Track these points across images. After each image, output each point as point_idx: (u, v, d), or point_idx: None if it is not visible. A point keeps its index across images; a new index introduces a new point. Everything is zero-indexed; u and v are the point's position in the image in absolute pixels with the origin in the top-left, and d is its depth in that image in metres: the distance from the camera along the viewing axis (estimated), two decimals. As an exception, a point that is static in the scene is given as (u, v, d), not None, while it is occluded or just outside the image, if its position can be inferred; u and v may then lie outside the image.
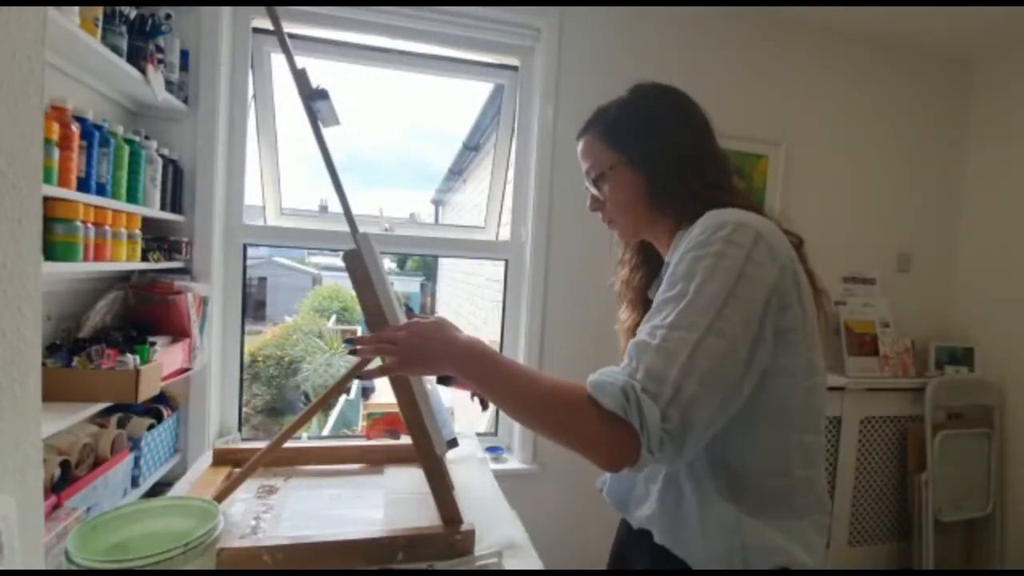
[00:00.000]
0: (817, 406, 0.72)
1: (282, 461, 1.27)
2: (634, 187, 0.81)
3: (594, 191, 0.86)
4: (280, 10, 1.24)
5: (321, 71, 1.91)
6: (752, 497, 0.68)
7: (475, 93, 2.87)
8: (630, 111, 0.84)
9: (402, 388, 0.97)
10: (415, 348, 0.74)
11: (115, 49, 1.29)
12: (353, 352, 0.82)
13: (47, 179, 1.04)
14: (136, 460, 1.43)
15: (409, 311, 0.83)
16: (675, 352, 0.60)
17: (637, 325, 0.81)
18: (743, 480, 0.69)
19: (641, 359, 0.62)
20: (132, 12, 1.38)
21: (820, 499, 0.72)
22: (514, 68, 2.05)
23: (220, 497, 1.02)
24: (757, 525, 0.67)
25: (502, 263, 2.16)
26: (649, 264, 0.91)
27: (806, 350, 0.69)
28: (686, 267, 0.66)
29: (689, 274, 0.65)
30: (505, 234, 2.17)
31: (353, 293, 0.97)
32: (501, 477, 1.40)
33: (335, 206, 1.05)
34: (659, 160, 0.79)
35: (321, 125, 0.96)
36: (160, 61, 1.48)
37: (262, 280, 10.71)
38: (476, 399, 0.97)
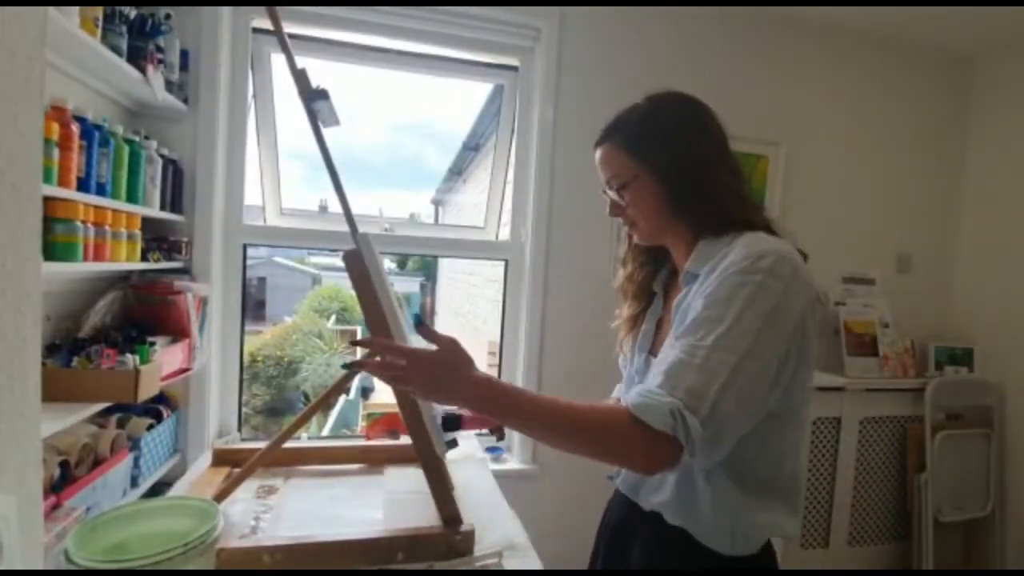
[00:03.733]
0: (808, 407, 0.82)
1: (282, 461, 1.28)
2: (655, 196, 0.84)
3: (615, 198, 0.88)
4: (280, 10, 1.23)
5: (321, 71, 1.91)
6: (750, 482, 0.78)
7: (475, 93, 2.87)
8: (650, 122, 0.85)
9: (402, 388, 0.97)
10: (424, 383, 0.75)
11: (115, 49, 1.29)
12: (350, 368, 0.81)
13: (47, 179, 1.04)
14: (136, 460, 1.43)
15: (419, 324, 0.79)
16: (715, 373, 0.68)
17: (638, 316, 0.95)
18: (745, 469, 0.78)
19: (682, 378, 0.69)
20: (132, 12, 1.38)
21: (798, 484, 0.84)
22: (514, 68, 2.05)
23: (220, 497, 1.02)
24: (752, 504, 0.78)
25: (502, 263, 2.16)
26: (654, 262, 0.96)
27: (814, 363, 0.78)
28: (727, 291, 0.71)
29: (729, 299, 0.70)
30: (505, 234, 2.17)
31: (353, 293, 0.97)
32: (501, 477, 1.40)
33: (335, 206, 1.05)
34: (679, 171, 0.82)
35: (321, 125, 0.96)
36: (160, 61, 1.48)
37: (262, 280, 10.69)
38: (489, 431, 0.99)
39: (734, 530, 0.78)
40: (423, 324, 0.78)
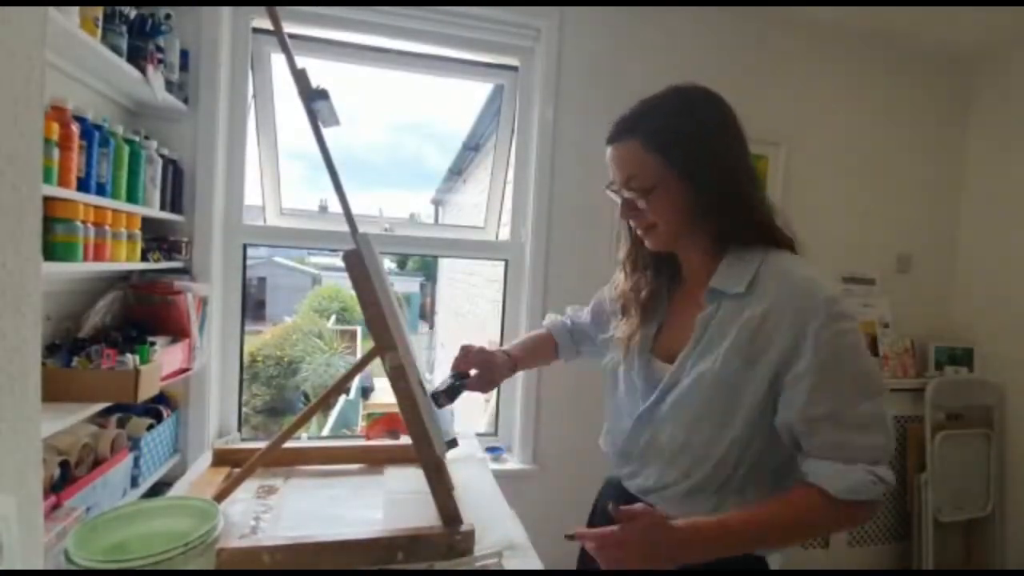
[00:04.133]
0: None
1: (282, 461, 1.27)
2: (683, 201, 0.80)
3: (634, 199, 0.82)
4: (280, 10, 1.23)
5: (321, 71, 1.91)
6: (761, 479, 0.82)
7: (475, 93, 2.88)
8: (681, 121, 0.80)
9: (402, 388, 0.97)
10: (644, 562, 0.71)
11: (115, 49, 1.29)
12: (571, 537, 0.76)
13: (47, 179, 1.04)
14: (136, 460, 1.43)
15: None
16: (874, 425, 0.73)
17: (634, 334, 0.92)
18: (763, 468, 0.81)
19: (852, 443, 0.73)
20: (132, 12, 1.38)
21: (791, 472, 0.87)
22: (514, 68, 2.05)
23: (220, 497, 1.02)
24: (759, 496, 0.83)
25: (502, 263, 2.16)
26: (666, 268, 0.93)
27: None
28: (832, 350, 0.73)
29: (839, 355, 0.73)
30: (505, 234, 2.17)
31: (353, 293, 0.97)
32: (501, 477, 1.40)
33: (335, 206, 1.05)
34: (710, 179, 0.79)
35: (321, 125, 0.96)
36: (160, 61, 1.48)
37: (262, 280, 10.69)
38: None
39: None
40: None
